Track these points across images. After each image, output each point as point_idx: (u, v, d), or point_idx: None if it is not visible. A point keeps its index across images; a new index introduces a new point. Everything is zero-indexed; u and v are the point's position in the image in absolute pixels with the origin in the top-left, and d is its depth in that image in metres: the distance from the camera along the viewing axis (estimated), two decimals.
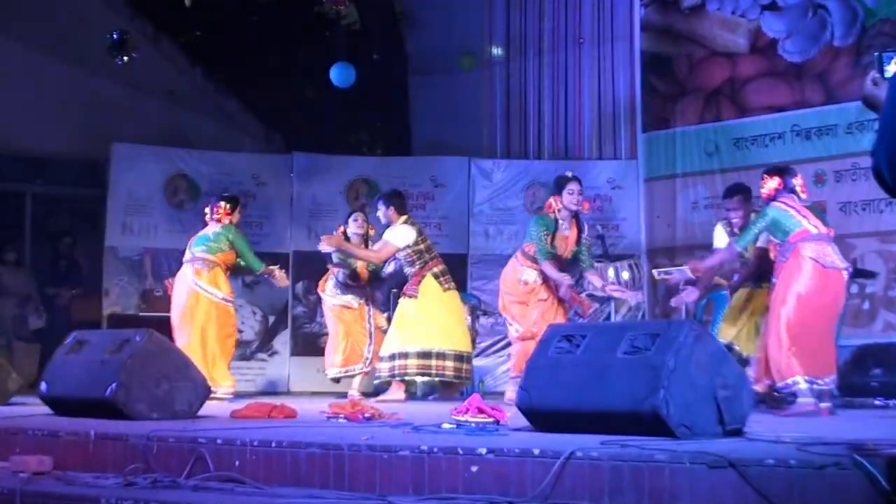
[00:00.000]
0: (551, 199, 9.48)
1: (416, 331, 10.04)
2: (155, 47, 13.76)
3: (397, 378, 10.09)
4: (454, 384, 10.18)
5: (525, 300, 9.41)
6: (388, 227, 10.30)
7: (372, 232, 10.77)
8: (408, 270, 10.26)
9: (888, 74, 3.46)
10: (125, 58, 12.21)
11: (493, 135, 14.63)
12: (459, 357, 10.05)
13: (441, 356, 10.01)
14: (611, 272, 11.22)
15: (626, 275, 11.26)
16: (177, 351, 6.95)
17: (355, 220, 10.77)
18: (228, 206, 10.33)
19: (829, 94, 11.93)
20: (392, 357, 10.03)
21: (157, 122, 13.71)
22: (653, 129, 13.29)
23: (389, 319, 10.56)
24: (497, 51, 14.75)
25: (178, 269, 11.54)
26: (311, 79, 13.75)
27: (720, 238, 9.16)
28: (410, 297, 10.13)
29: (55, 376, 7.11)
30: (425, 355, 9.99)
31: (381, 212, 10.33)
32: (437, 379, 10.14)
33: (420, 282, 10.16)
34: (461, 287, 12.68)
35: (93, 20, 13.12)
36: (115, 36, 12.18)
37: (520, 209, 13.30)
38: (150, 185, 12.94)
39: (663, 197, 12.80)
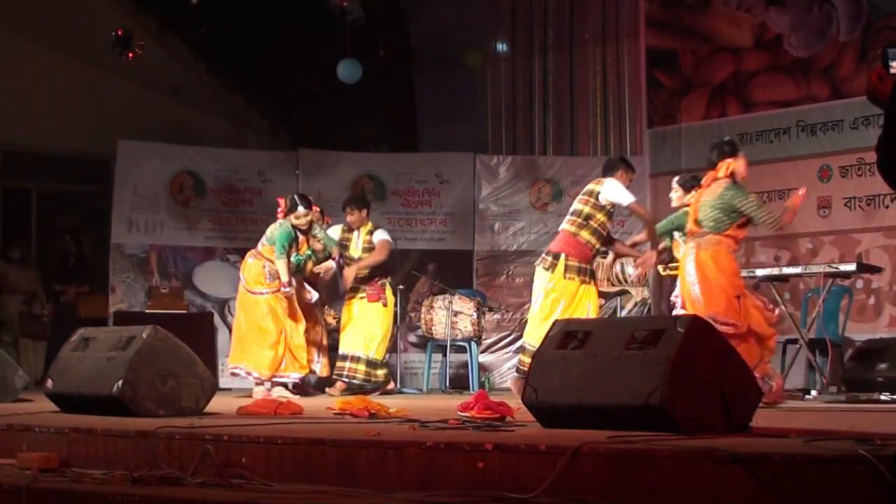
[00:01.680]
0: (738, 164, 8.38)
1: (379, 336, 10.69)
2: (160, 44, 13.77)
3: (345, 380, 10.62)
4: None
5: (742, 284, 8.35)
6: (351, 230, 10.85)
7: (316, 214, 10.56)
8: (369, 274, 10.71)
9: (893, 70, 3.46)
10: (130, 54, 12.23)
11: (499, 131, 14.64)
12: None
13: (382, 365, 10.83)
14: (617, 267, 11.21)
15: (631, 270, 11.23)
16: (183, 347, 6.95)
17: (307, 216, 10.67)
18: (287, 202, 10.18)
19: (835, 89, 11.94)
20: (344, 358, 10.63)
21: (163, 119, 13.72)
22: (658, 125, 13.30)
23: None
24: (502, 47, 14.75)
25: (184, 266, 11.63)
26: (316, 75, 13.75)
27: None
28: (383, 304, 10.75)
29: (61, 373, 7.12)
30: (373, 364, 10.67)
31: (357, 216, 10.83)
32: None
33: (385, 290, 10.79)
34: (466, 283, 12.70)
35: (98, 17, 13.14)
36: (120, 33, 12.19)
37: (525, 205, 13.30)
38: (156, 183, 12.95)
39: (669, 193, 12.80)
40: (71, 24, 13.20)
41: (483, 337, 11.97)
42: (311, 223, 10.13)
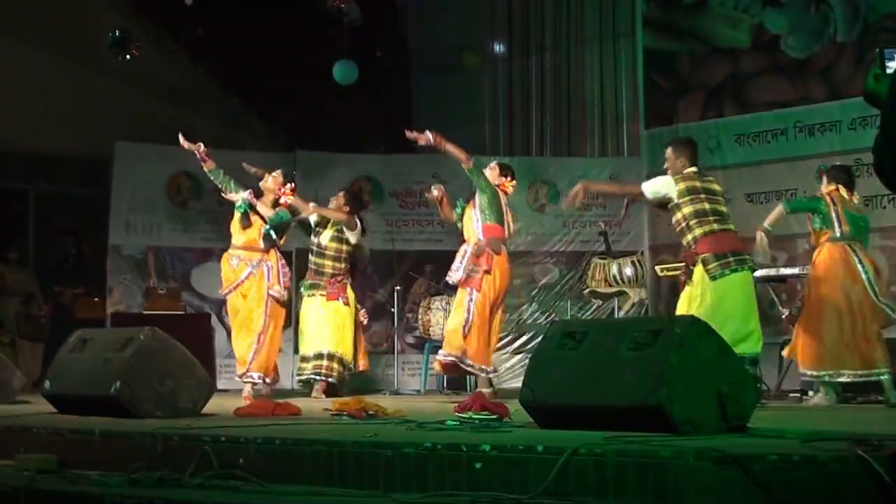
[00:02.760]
0: None
1: (346, 336, 10.43)
2: (157, 46, 13.77)
3: (323, 378, 10.31)
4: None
5: None
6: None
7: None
8: (335, 266, 10.47)
9: (889, 70, 3.46)
10: (127, 56, 12.23)
11: (496, 131, 14.65)
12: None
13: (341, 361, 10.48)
14: (614, 268, 11.23)
15: (629, 272, 11.24)
16: (181, 349, 6.95)
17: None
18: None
19: (832, 89, 11.95)
20: (320, 356, 10.34)
21: (160, 120, 13.71)
22: (655, 126, 13.31)
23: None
24: (500, 47, 14.76)
25: (182, 268, 11.61)
26: (313, 76, 13.75)
27: None
28: (344, 302, 10.48)
29: (59, 375, 7.12)
30: (341, 361, 10.41)
31: (337, 202, 10.60)
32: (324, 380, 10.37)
33: (345, 289, 10.51)
34: None
35: (95, 19, 13.14)
36: (117, 34, 12.20)
37: (523, 206, 13.29)
38: (153, 184, 12.96)
39: None
40: (68, 25, 13.20)
41: None
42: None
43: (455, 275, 9.52)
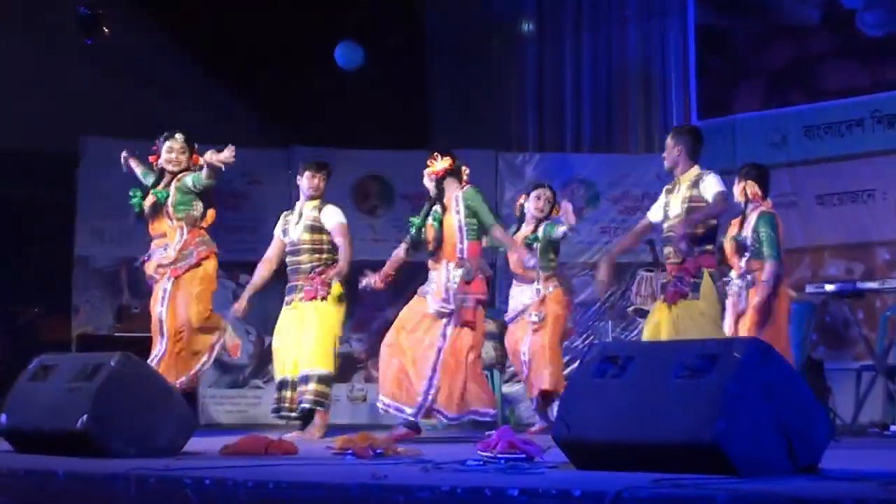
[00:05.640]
0: None
1: (322, 342, 9.43)
2: (133, 27, 13.81)
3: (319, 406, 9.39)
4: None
5: None
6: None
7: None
8: (313, 258, 9.65)
9: None
10: (96, 38, 12.27)
11: (524, 125, 14.67)
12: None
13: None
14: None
15: None
16: (158, 377, 6.96)
17: (538, 198, 10.56)
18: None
19: None
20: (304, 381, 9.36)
21: (135, 112, 13.74)
22: (709, 116, 13.31)
23: None
24: (528, 27, 14.77)
25: None
26: (313, 61, 13.78)
27: None
28: (322, 298, 9.47)
29: (17, 407, 7.13)
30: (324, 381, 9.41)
31: (315, 180, 10.01)
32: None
33: (330, 284, 9.53)
34: (487, 302, 12.68)
35: None
36: (84, 12, 12.23)
37: None
38: (127, 186, 12.94)
39: None
40: (26, 2, 13.24)
41: (507, 364, 11.94)
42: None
43: (445, 305, 8.80)
